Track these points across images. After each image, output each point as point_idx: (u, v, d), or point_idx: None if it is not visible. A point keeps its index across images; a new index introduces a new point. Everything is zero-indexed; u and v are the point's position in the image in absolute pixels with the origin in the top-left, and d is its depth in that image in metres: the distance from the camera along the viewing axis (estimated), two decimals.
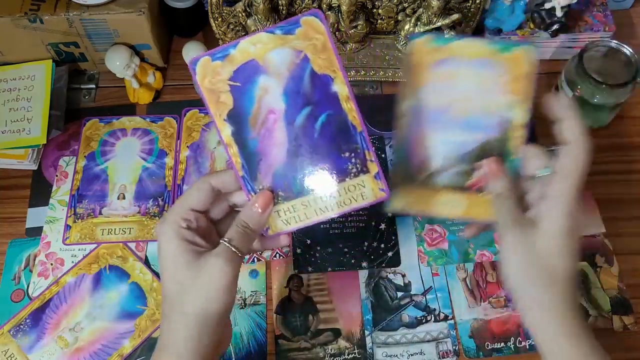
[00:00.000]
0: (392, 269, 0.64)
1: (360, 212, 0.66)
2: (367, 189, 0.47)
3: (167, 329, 0.45)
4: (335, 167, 0.47)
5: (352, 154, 0.47)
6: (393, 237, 0.66)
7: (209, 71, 0.45)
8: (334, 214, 0.48)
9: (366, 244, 0.65)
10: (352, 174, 0.47)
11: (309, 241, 0.65)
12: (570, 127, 0.48)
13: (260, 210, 0.47)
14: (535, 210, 0.47)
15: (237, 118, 0.46)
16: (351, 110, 0.46)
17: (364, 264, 0.64)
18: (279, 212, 0.48)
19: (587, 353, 0.44)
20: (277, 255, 0.65)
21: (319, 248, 0.65)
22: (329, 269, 0.64)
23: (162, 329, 0.46)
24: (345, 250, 0.65)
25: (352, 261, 0.64)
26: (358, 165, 0.47)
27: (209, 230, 0.48)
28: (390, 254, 0.65)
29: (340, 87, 0.46)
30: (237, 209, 0.50)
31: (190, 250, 0.45)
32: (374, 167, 0.47)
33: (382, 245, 0.65)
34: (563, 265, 0.45)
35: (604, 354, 0.44)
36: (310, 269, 0.64)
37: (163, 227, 0.46)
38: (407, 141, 0.49)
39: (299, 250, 0.65)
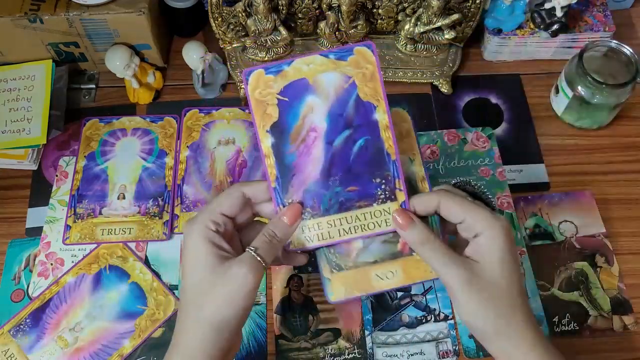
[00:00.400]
0: None
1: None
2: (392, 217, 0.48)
3: (182, 330, 0.45)
4: (365, 191, 0.48)
5: (383, 181, 0.48)
6: None
7: (260, 83, 0.47)
8: (357, 237, 0.49)
9: None
10: (380, 200, 0.48)
11: None
12: (474, 220, 0.46)
13: (288, 223, 0.47)
14: (473, 247, 0.46)
15: (280, 131, 0.47)
16: (388, 139, 0.48)
17: None
18: (304, 228, 0.49)
19: None
20: None
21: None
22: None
23: (176, 329, 0.46)
24: None
25: None
26: (387, 192, 0.48)
27: (233, 237, 0.49)
28: None
29: (382, 116, 0.47)
30: (258, 218, 0.51)
31: (216, 254, 0.45)
32: (402, 196, 0.48)
33: None
34: (517, 291, 0.45)
35: None
36: (310, 268, 0.64)
37: (193, 227, 0.46)
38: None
39: (299, 251, 0.65)
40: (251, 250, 0.46)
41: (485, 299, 0.44)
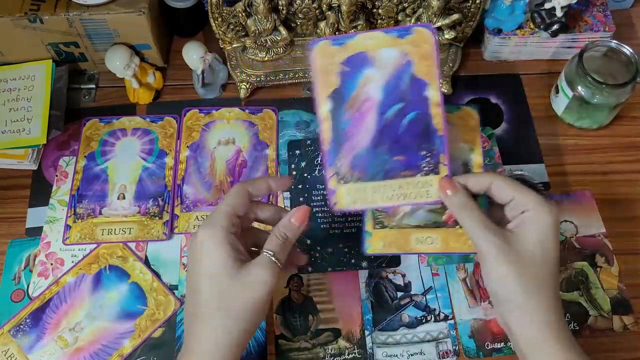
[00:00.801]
0: (392, 269, 0.64)
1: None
2: (433, 189, 0.51)
3: (198, 331, 0.46)
4: (411, 161, 0.51)
5: (429, 154, 0.51)
6: None
7: (326, 53, 0.51)
8: (398, 204, 0.51)
9: None
10: (424, 172, 0.51)
11: (309, 241, 0.65)
12: (524, 199, 0.48)
13: (297, 224, 0.50)
14: (516, 221, 0.48)
15: (338, 98, 0.51)
16: (437, 115, 0.50)
17: (364, 264, 0.64)
18: (350, 191, 0.51)
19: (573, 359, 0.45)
20: None
21: (319, 248, 0.65)
22: (329, 269, 0.64)
23: (191, 331, 0.46)
24: (345, 250, 0.65)
25: (352, 261, 0.64)
26: (431, 165, 0.51)
27: (241, 239, 0.50)
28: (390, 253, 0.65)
29: (433, 93, 0.50)
30: (253, 225, 0.54)
31: (235, 258, 0.46)
32: (445, 170, 0.50)
33: None
34: (548, 271, 0.46)
35: None
36: (310, 269, 0.64)
37: (213, 231, 0.47)
38: None
39: (299, 251, 0.65)
40: (269, 254, 0.47)
41: (515, 270, 0.45)
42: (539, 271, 0.46)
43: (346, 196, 0.51)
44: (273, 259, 0.47)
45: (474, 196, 0.50)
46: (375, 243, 0.54)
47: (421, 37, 0.50)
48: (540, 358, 0.46)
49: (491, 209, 0.51)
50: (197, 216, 0.67)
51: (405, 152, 0.51)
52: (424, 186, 0.51)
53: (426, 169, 0.51)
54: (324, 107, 0.51)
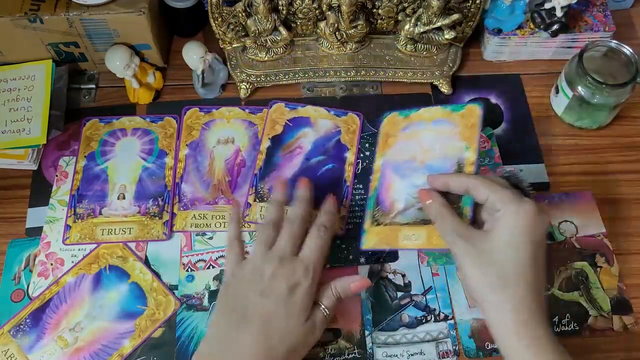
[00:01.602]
0: (392, 269, 0.64)
1: (357, 209, 0.67)
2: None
3: None
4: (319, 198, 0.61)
5: (337, 196, 0.65)
6: None
7: (278, 112, 0.73)
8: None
9: None
10: None
11: None
12: (497, 199, 0.50)
13: (353, 291, 0.55)
14: (490, 222, 0.50)
15: (277, 141, 0.71)
16: (349, 171, 0.69)
17: (362, 260, 0.64)
18: (262, 209, 0.66)
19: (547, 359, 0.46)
20: None
21: None
22: (327, 265, 0.64)
23: None
24: (343, 246, 0.65)
25: (350, 257, 0.64)
26: None
27: None
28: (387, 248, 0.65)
29: (350, 156, 0.70)
30: None
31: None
32: (343, 212, 0.66)
33: None
34: (518, 271, 0.47)
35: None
36: None
37: (310, 288, 0.53)
38: (377, 191, 0.61)
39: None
40: (325, 311, 0.54)
41: (482, 272, 0.48)
42: (508, 271, 0.47)
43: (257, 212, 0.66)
44: (326, 315, 0.54)
45: (460, 196, 0.53)
46: (370, 240, 0.59)
47: (351, 119, 0.72)
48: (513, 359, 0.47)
49: (477, 209, 0.53)
50: (194, 215, 0.67)
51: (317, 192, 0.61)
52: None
53: None
54: (263, 145, 0.70)
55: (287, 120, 0.71)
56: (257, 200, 0.66)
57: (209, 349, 0.52)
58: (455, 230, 0.50)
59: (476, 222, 0.53)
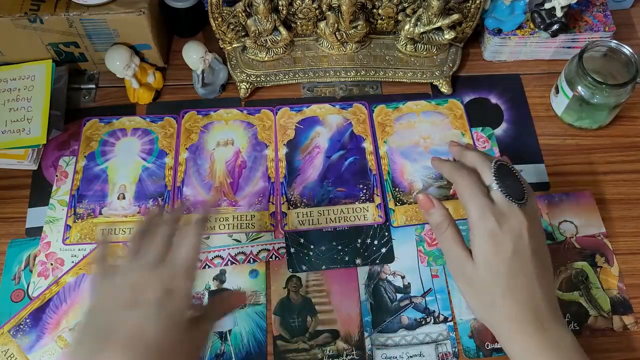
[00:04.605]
0: (391, 270, 0.64)
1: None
2: (369, 213, 0.67)
3: None
4: (350, 192, 0.68)
5: (365, 187, 0.68)
6: (386, 233, 0.66)
7: (285, 115, 0.73)
8: (339, 225, 0.66)
9: (359, 240, 0.65)
10: (361, 200, 0.67)
11: (302, 240, 0.65)
12: (467, 213, 0.51)
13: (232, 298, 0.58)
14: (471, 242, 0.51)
15: (293, 145, 0.71)
16: (371, 160, 0.70)
17: (358, 261, 0.64)
18: (299, 214, 0.66)
19: None
20: (274, 256, 0.65)
21: (312, 247, 0.65)
22: (324, 267, 0.64)
23: None
24: (339, 247, 0.65)
25: (346, 258, 0.64)
26: (367, 195, 0.68)
27: None
28: (383, 250, 0.65)
29: (368, 145, 0.72)
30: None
31: None
32: (378, 200, 0.67)
33: (376, 242, 0.65)
34: (504, 292, 0.49)
35: None
36: (304, 267, 0.64)
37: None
38: (391, 175, 0.69)
39: (292, 250, 0.65)
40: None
41: (473, 291, 0.51)
42: (494, 292, 0.49)
43: (295, 219, 0.66)
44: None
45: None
46: (399, 217, 0.66)
47: (359, 110, 0.74)
48: None
49: None
50: (197, 218, 0.66)
51: (346, 185, 0.68)
52: (362, 211, 0.66)
53: (363, 197, 0.67)
54: (280, 152, 0.71)
55: (297, 123, 0.72)
56: (290, 207, 0.67)
57: None
58: (452, 247, 0.51)
59: None
